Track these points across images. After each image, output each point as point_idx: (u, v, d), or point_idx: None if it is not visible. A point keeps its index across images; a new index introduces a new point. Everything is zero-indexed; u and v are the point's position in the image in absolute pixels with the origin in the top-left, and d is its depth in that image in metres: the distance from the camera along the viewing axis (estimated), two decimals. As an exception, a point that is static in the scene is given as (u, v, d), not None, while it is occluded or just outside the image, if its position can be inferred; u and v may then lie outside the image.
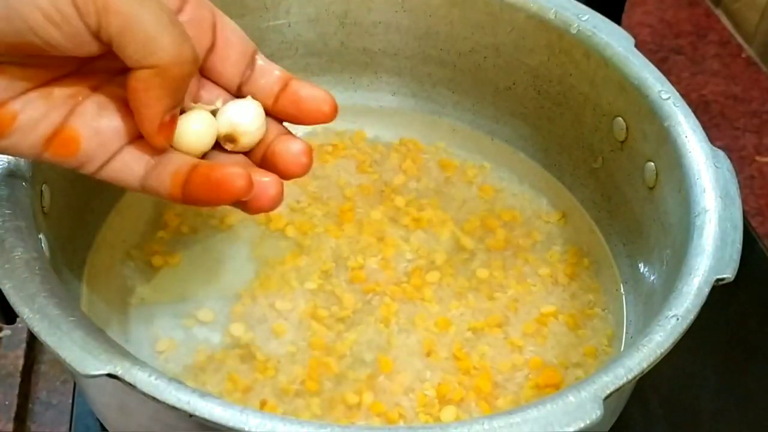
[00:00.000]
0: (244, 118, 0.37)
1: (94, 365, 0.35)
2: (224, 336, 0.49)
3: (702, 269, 0.41)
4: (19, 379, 0.51)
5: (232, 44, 0.38)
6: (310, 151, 0.38)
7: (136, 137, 0.36)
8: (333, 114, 0.38)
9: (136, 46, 0.32)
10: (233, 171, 0.35)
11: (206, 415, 0.34)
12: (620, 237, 0.55)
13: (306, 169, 0.38)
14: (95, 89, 0.36)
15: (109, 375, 0.35)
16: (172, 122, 0.36)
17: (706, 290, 0.40)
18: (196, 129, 0.37)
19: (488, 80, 0.60)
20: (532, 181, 0.60)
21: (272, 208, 0.37)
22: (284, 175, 0.37)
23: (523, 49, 0.57)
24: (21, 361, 0.52)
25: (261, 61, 0.39)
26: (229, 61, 0.38)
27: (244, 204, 0.36)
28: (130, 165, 0.36)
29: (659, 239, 0.49)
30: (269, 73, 0.39)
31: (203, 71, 0.38)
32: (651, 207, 0.51)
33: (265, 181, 0.36)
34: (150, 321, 0.50)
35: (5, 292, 0.37)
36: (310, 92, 0.38)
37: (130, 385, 0.35)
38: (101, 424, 0.48)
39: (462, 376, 0.48)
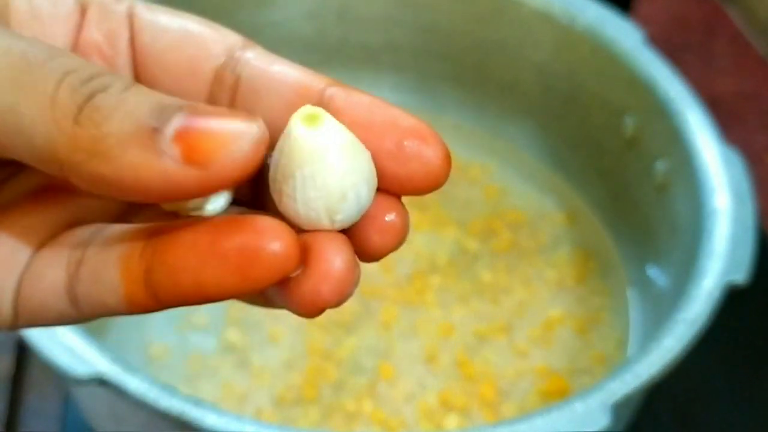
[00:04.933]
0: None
1: (84, 370, 0.35)
2: (219, 341, 0.49)
3: (713, 272, 0.41)
4: (9, 385, 0.51)
5: (163, 53, 0.20)
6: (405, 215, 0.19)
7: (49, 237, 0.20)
8: (445, 171, 0.19)
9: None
10: (264, 223, 0.17)
11: (200, 423, 0.34)
12: (629, 238, 0.55)
13: (400, 239, 0.19)
14: None
15: (100, 381, 0.35)
16: (192, 134, 0.16)
17: (717, 294, 0.40)
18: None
19: (492, 77, 0.60)
20: (538, 181, 0.60)
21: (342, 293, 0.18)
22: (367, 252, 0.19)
23: (528, 44, 0.57)
24: (11, 367, 0.51)
25: (252, 56, 0.20)
26: (163, 83, 0.21)
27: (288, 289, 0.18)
28: (45, 273, 0.19)
29: (669, 241, 0.49)
30: (280, 80, 0.20)
31: None
32: (660, 207, 0.50)
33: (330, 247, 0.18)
34: (143, 325, 0.50)
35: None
36: (381, 112, 0.19)
37: (121, 391, 0.35)
38: (93, 432, 0.48)
39: (465, 382, 0.48)
